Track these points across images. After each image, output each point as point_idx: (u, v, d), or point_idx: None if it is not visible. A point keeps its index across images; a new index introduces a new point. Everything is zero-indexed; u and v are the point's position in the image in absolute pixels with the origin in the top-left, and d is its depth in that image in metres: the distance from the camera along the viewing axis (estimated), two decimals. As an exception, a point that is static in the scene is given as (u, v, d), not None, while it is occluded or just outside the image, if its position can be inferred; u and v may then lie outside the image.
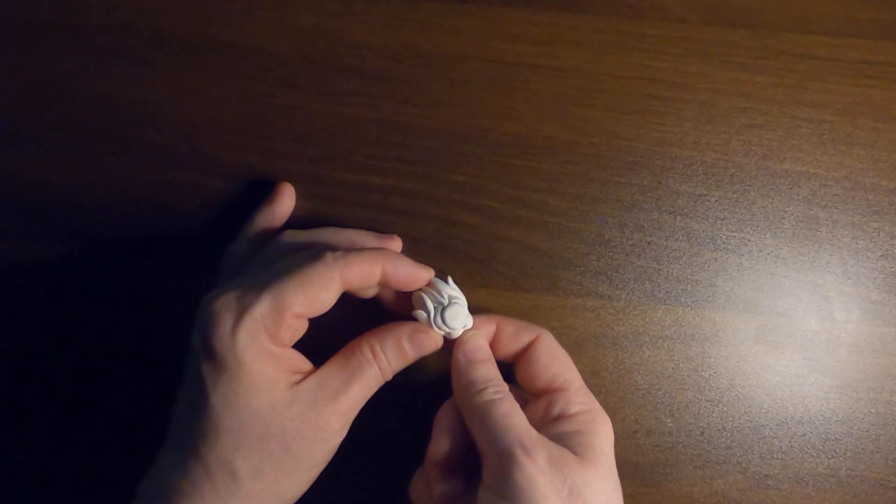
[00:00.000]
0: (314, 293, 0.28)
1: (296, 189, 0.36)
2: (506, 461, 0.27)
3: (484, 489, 0.28)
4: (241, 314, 0.27)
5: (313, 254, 0.29)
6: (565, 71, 0.37)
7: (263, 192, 0.36)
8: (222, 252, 0.34)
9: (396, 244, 0.35)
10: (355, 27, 0.38)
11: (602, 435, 0.29)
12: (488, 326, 0.32)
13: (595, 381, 0.36)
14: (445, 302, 0.31)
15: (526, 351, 0.32)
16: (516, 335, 0.32)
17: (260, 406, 0.27)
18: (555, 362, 0.31)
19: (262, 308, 0.27)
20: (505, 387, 0.30)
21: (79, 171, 0.37)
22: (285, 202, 0.35)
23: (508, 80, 0.37)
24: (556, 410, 0.30)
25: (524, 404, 0.32)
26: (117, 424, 0.36)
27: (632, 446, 0.35)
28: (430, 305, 0.31)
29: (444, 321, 0.31)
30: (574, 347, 0.36)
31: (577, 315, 0.36)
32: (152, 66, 0.38)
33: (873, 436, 0.36)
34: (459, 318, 0.31)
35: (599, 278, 0.36)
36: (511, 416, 0.29)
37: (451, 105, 0.37)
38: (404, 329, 0.31)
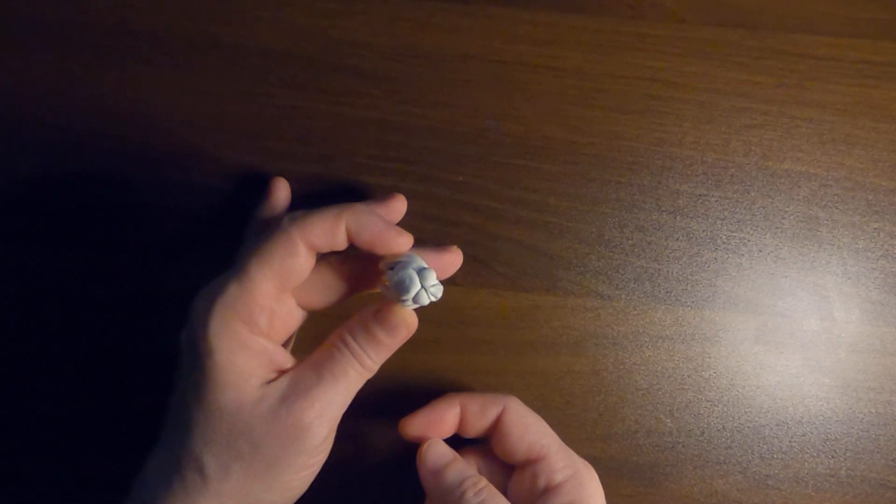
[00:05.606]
0: (279, 263, 0.27)
1: (295, 189, 0.36)
2: None
3: None
4: (212, 301, 0.26)
5: (273, 224, 0.28)
6: (565, 71, 0.37)
7: (263, 192, 0.36)
8: (223, 252, 0.34)
9: (401, 203, 0.34)
10: (355, 27, 0.38)
11: (591, 493, 0.30)
12: (452, 410, 0.31)
13: (595, 381, 0.36)
14: (390, 275, 0.28)
15: (496, 425, 0.31)
16: (482, 412, 0.31)
17: (227, 402, 0.26)
18: (528, 431, 0.31)
19: (229, 292, 0.26)
20: (481, 480, 0.30)
21: (79, 171, 0.37)
22: (280, 196, 0.35)
23: (508, 80, 0.37)
24: (541, 483, 0.30)
25: (509, 474, 0.32)
26: (117, 425, 0.36)
27: (632, 446, 0.35)
28: (381, 288, 0.29)
29: (398, 296, 0.27)
30: (574, 347, 0.36)
31: (577, 315, 0.36)
32: (152, 66, 0.38)
33: (873, 436, 0.36)
34: (408, 283, 0.27)
35: (599, 278, 0.36)
36: None
37: (451, 105, 0.37)
38: (369, 310, 0.29)
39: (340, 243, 0.28)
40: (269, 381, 0.27)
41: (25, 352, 0.36)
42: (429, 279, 0.28)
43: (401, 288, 0.27)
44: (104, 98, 0.37)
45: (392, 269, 0.28)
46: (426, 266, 0.28)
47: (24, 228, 0.37)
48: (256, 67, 0.38)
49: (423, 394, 0.35)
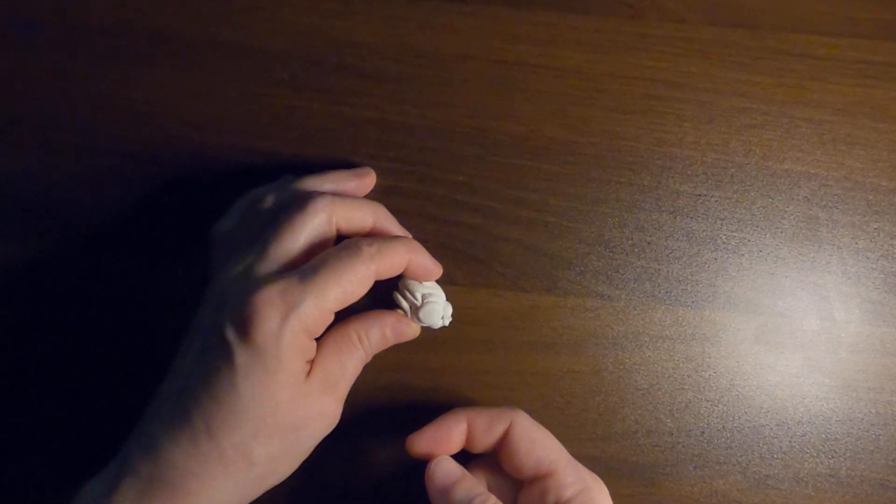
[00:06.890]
0: (351, 290, 0.29)
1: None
2: None
3: None
4: (287, 313, 0.28)
5: (350, 246, 0.30)
6: (565, 71, 0.37)
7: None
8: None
9: (371, 178, 0.36)
10: (355, 27, 0.38)
11: None
12: (459, 426, 0.32)
13: (595, 381, 0.36)
14: (419, 303, 0.33)
15: (504, 440, 0.31)
16: (489, 428, 0.31)
17: (283, 398, 0.28)
18: (535, 446, 0.31)
19: (306, 308, 0.28)
20: (490, 498, 0.30)
21: (79, 171, 0.37)
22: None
23: (508, 80, 0.37)
24: (551, 499, 0.30)
25: (518, 489, 0.32)
26: (116, 425, 0.36)
27: (632, 446, 0.35)
28: (406, 305, 0.33)
29: (420, 319, 0.33)
30: (574, 347, 0.36)
31: (577, 315, 0.36)
32: (152, 66, 0.38)
33: (873, 436, 0.36)
34: (434, 315, 0.33)
35: (599, 278, 0.36)
36: None
37: (451, 105, 0.37)
38: (388, 319, 0.32)
39: (397, 274, 0.32)
40: (307, 376, 0.30)
41: (25, 352, 0.36)
42: (448, 311, 0.34)
43: (428, 317, 0.33)
44: (104, 98, 0.37)
45: (418, 292, 0.33)
46: (446, 300, 0.34)
47: (24, 228, 0.37)
48: (256, 67, 0.38)
49: (423, 394, 0.35)
